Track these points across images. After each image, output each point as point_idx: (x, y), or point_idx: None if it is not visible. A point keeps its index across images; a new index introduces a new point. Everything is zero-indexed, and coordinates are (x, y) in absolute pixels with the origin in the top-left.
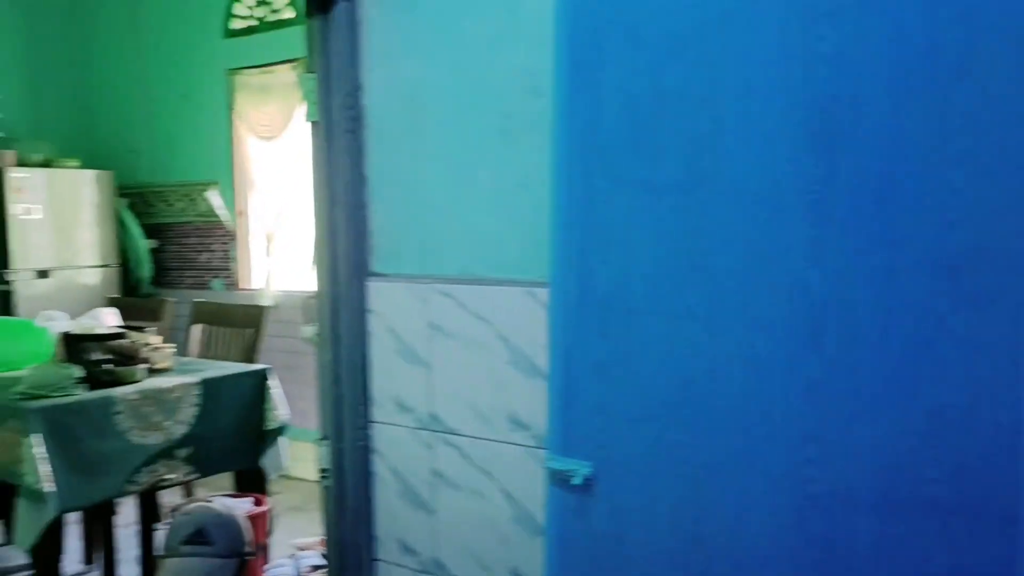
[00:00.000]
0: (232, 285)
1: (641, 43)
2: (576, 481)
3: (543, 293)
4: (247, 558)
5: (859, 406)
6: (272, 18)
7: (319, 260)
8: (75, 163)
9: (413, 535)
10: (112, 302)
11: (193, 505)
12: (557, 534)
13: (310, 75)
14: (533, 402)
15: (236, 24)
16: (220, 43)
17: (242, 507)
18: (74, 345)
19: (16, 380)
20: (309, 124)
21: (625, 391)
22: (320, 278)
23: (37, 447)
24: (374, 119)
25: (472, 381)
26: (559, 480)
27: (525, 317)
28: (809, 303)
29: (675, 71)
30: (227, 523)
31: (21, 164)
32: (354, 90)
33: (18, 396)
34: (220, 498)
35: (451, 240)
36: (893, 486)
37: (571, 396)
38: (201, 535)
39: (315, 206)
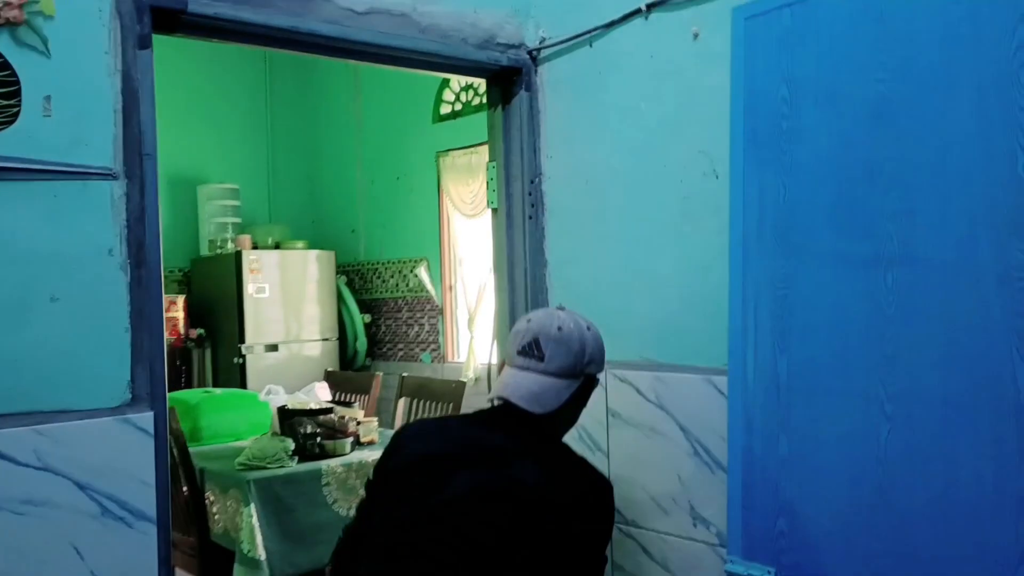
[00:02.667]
0: (439, 358)
1: (806, 138)
2: None
3: (723, 381)
4: (586, 380)
5: None
6: (476, 101)
7: (501, 341)
8: (302, 244)
9: None
10: (327, 375)
11: (540, 312)
12: None
13: (492, 163)
14: (714, 496)
15: (444, 109)
16: (430, 127)
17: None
18: (288, 418)
19: (239, 450)
20: (490, 210)
21: (810, 491)
22: (502, 357)
23: (253, 516)
24: (554, 204)
25: (651, 472)
26: None
27: (705, 406)
28: (1018, 403)
29: (861, 149)
30: (566, 340)
31: (255, 247)
32: (534, 177)
33: (239, 466)
34: (569, 313)
35: (629, 324)
36: None
37: (752, 494)
38: (536, 347)
39: (496, 288)
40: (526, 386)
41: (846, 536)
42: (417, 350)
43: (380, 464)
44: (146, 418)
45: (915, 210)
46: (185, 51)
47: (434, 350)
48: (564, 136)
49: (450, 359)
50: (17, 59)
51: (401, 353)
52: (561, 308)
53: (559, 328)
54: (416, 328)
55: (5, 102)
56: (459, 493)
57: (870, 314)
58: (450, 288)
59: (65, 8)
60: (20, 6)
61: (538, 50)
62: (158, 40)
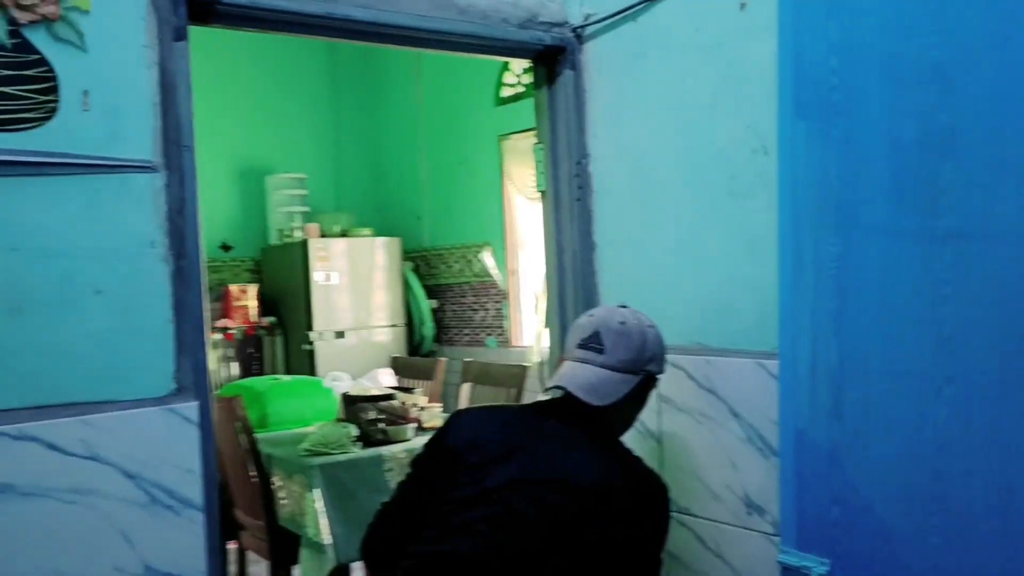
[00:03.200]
0: (505, 343)
1: (857, 110)
2: None
3: (775, 365)
4: (645, 378)
5: None
6: None
7: (551, 325)
8: (368, 231)
9: None
10: (393, 361)
11: (602, 308)
12: None
13: (539, 146)
14: (769, 484)
15: (505, 92)
16: (492, 111)
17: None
18: (352, 405)
19: (305, 436)
20: (539, 193)
21: (865, 478)
22: (552, 342)
23: (318, 501)
24: (601, 186)
25: (704, 458)
26: None
27: (757, 391)
28: None
29: (914, 118)
30: (627, 333)
31: (323, 235)
32: (581, 158)
33: (303, 452)
34: (631, 311)
35: (679, 307)
36: None
37: (804, 483)
38: (597, 340)
39: (546, 273)
40: (585, 376)
41: (903, 525)
42: (483, 335)
43: (432, 444)
44: (191, 408)
45: (972, 182)
46: (250, 46)
47: (500, 335)
48: (610, 115)
49: (515, 343)
50: (54, 54)
51: (467, 338)
52: (624, 306)
53: (621, 322)
54: (481, 313)
55: (43, 98)
56: (510, 479)
57: (927, 292)
58: (514, 272)
59: (100, 2)
60: (56, 1)
61: (583, 27)
62: (226, 37)
